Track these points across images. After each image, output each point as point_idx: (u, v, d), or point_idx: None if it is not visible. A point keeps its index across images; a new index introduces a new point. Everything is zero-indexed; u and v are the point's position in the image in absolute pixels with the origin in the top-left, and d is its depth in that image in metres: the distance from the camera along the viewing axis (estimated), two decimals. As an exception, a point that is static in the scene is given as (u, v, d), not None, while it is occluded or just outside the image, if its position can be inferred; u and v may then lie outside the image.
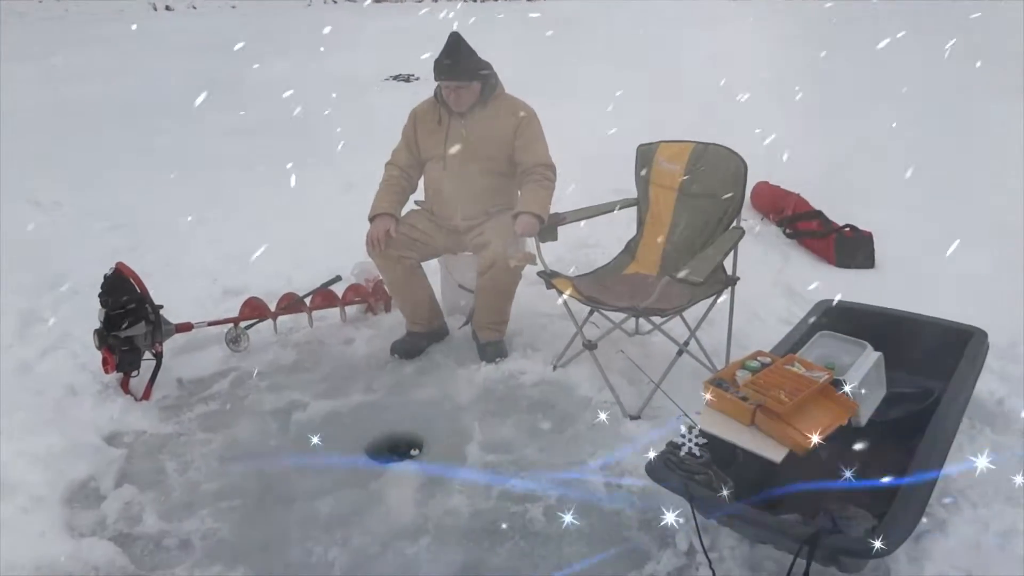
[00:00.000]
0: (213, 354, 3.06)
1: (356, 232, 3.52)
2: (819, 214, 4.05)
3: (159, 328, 2.69)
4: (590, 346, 2.68)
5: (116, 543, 2.03)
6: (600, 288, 2.76)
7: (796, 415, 1.95)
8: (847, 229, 3.82)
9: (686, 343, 2.64)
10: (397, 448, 2.50)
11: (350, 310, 3.35)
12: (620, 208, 2.99)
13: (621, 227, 3.78)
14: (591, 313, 2.82)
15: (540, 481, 2.29)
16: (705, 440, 1.89)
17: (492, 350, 2.98)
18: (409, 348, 3.05)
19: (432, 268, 3.23)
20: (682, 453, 1.80)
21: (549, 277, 2.75)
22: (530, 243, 2.90)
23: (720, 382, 2.12)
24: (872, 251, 3.72)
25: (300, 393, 2.80)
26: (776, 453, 1.89)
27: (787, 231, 4.10)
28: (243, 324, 3.08)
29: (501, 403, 2.73)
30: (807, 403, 1.99)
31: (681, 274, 2.28)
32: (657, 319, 2.60)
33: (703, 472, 1.76)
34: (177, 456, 2.44)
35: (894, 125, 5.87)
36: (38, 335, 3.24)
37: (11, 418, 2.49)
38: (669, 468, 1.79)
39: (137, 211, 4.79)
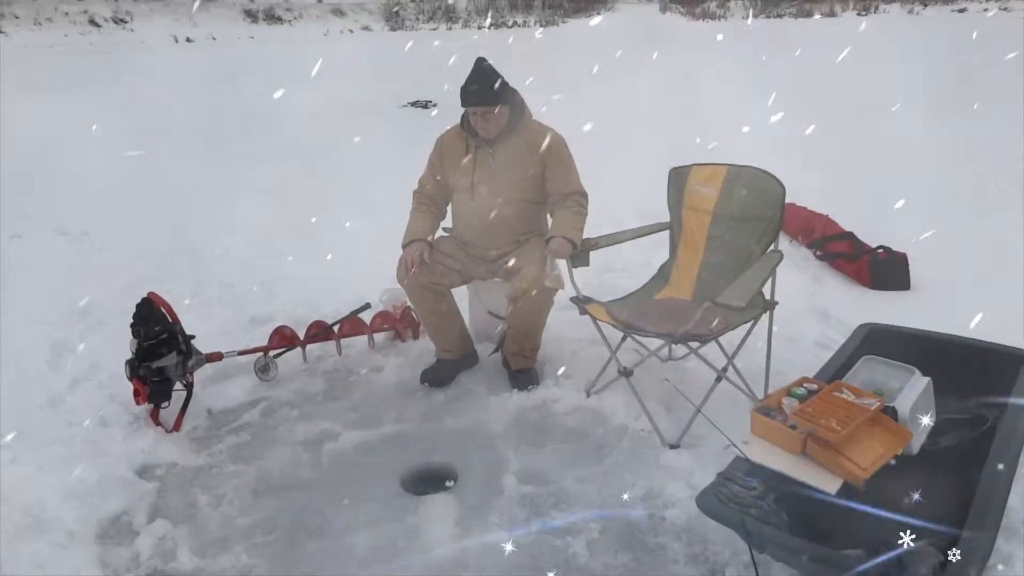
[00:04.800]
0: (242, 384, 3.04)
1: (382, 258, 3.51)
2: (850, 235, 3.99)
3: (190, 358, 2.67)
4: (626, 373, 2.63)
5: (151, 581, 2.00)
6: (635, 313, 2.71)
7: (848, 444, 1.89)
8: (880, 251, 3.75)
9: (724, 369, 2.58)
10: (432, 479, 2.44)
11: (378, 337, 3.33)
12: (653, 232, 2.95)
13: (647, 251, 3.75)
14: (624, 339, 2.77)
15: (581, 514, 2.23)
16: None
17: (524, 378, 2.93)
18: (439, 376, 3.01)
19: (460, 294, 3.20)
20: (735, 487, 1.73)
21: (582, 303, 2.71)
22: (561, 268, 2.87)
23: (767, 410, 2.07)
24: (907, 272, 3.65)
25: (331, 422, 2.77)
26: (830, 484, 1.83)
27: (818, 253, 4.04)
28: (272, 353, 3.06)
29: (535, 432, 2.67)
30: (859, 432, 1.93)
31: (721, 299, 2.23)
32: (694, 345, 2.55)
33: (757, 505, 1.70)
34: (209, 489, 2.41)
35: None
36: (68, 366, 3.23)
37: (44, 452, 2.47)
38: (721, 502, 1.73)
39: (162, 239, 4.82)
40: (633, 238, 2.92)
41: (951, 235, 4.14)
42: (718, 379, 2.54)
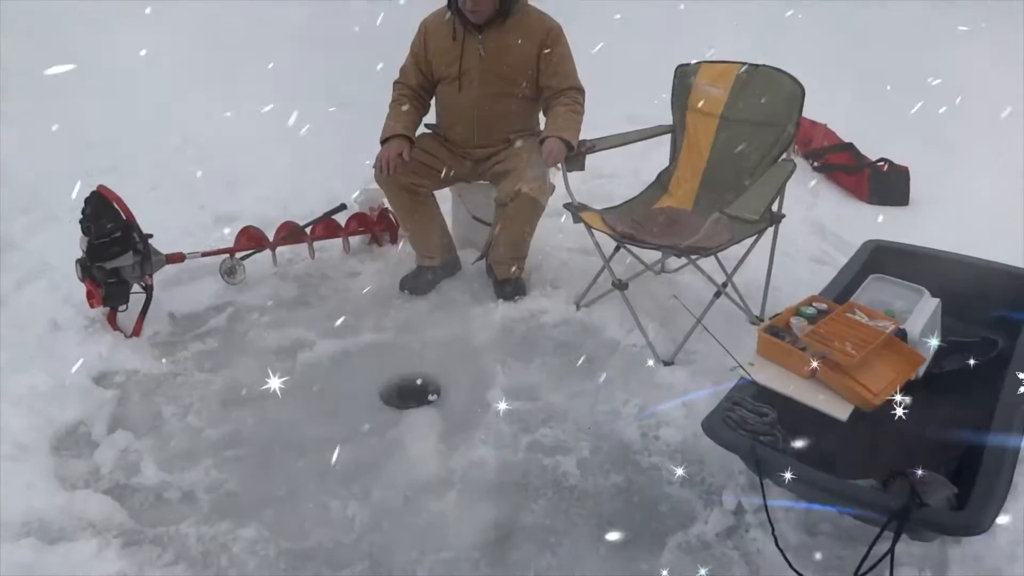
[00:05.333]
0: (207, 287, 2.83)
1: (358, 156, 3.25)
2: (850, 147, 3.81)
3: (148, 259, 2.44)
4: (620, 286, 2.48)
5: (112, 496, 1.86)
6: (633, 223, 2.54)
7: (861, 368, 1.79)
8: (881, 163, 3.59)
9: (724, 285, 2.44)
10: (413, 393, 2.31)
11: (354, 241, 3.12)
12: (654, 136, 2.73)
13: (637, 157, 3.54)
14: (617, 250, 2.61)
15: (571, 431, 2.13)
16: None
17: (511, 287, 2.77)
18: (420, 283, 2.83)
19: (443, 197, 2.97)
20: (744, 412, 1.62)
21: (576, 210, 2.51)
22: (554, 172, 2.66)
23: (775, 330, 1.94)
24: (908, 187, 3.51)
25: (304, 330, 2.59)
26: (841, 411, 1.73)
27: (815, 164, 3.87)
28: (239, 255, 2.84)
29: (523, 345, 2.54)
30: (871, 356, 1.82)
31: (733, 210, 2.06)
32: (695, 258, 2.39)
33: (769, 432, 1.59)
34: (174, 399, 2.25)
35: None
36: (13, 264, 2.98)
37: (-8, 357, 2.27)
38: (730, 427, 1.62)
39: (117, 128, 4.44)
40: (634, 141, 2.70)
41: (952, 148, 4.00)
42: (717, 294, 2.41)
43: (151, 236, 2.47)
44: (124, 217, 2.38)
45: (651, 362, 2.41)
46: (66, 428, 2.08)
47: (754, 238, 2.45)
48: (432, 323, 2.67)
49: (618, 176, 3.74)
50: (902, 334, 1.96)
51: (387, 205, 3.18)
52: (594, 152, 2.64)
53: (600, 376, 2.37)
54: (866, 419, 1.72)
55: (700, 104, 2.63)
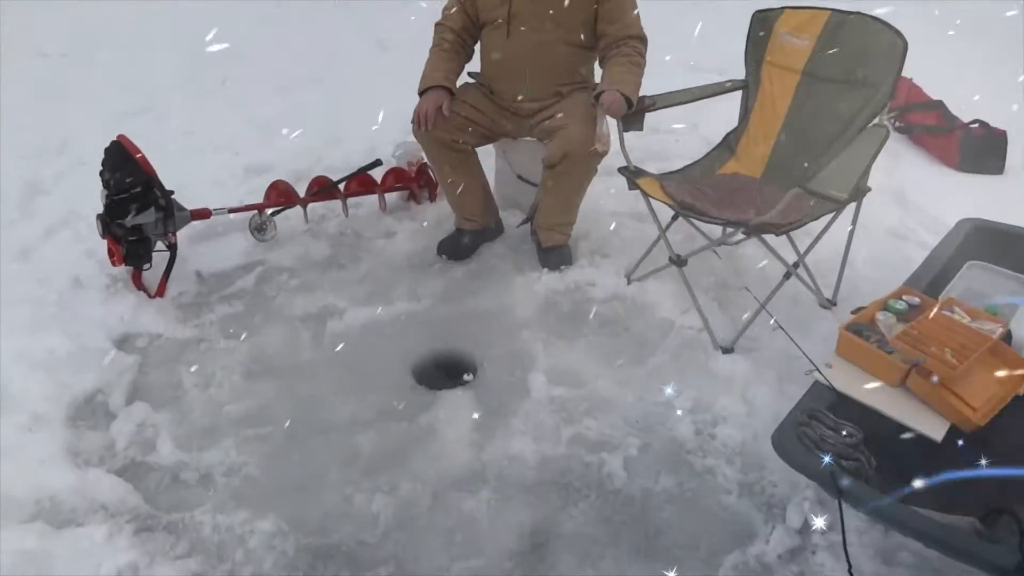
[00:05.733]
0: (236, 244, 2.69)
1: (395, 105, 3.02)
2: (939, 105, 3.43)
3: (171, 216, 2.29)
4: (678, 262, 2.24)
5: (126, 477, 1.75)
6: (695, 192, 2.28)
7: (961, 381, 1.55)
8: (975, 125, 3.21)
9: (796, 265, 2.19)
10: (448, 371, 2.15)
11: (390, 198, 2.92)
12: (723, 92, 2.44)
13: (696, 113, 3.23)
14: (675, 219, 2.36)
15: (618, 424, 1.94)
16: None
17: (556, 256, 2.55)
18: (459, 248, 2.64)
19: (485, 154, 2.74)
20: (823, 428, 1.41)
21: (633, 176, 2.27)
22: (610, 130, 2.40)
23: (858, 327, 1.70)
24: (1004, 154, 3.14)
25: (335, 296, 2.44)
26: (936, 429, 1.50)
27: (897, 124, 3.49)
28: (269, 211, 2.67)
29: (567, 321, 2.34)
30: (974, 365, 1.58)
31: (818, 186, 1.79)
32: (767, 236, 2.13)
33: (853, 456, 1.38)
34: (197, 368, 2.12)
35: None
36: (42, 210, 2.88)
37: (12, 313, 2.17)
38: (805, 446, 1.41)
39: (151, 70, 4.28)
40: (699, 98, 2.41)
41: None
42: (787, 276, 2.16)
43: (172, 193, 2.32)
44: (144, 171, 2.22)
45: (708, 348, 2.19)
46: (84, 396, 1.97)
47: (832, 215, 2.17)
48: (470, 292, 2.48)
49: (673, 131, 3.44)
50: (1007, 337, 1.70)
51: (426, 160, 2.97)
52: (654, 110, 2.36)
53: (651, 361, 2.16)
54: (965, 439, 1.49)
55: (779, 56, 2.32)
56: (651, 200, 2.25)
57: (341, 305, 2.39)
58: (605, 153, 2.33)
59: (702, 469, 1.82)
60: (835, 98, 2.19)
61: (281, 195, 2.67)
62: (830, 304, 2.35)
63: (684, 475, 1.80)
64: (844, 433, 1.39)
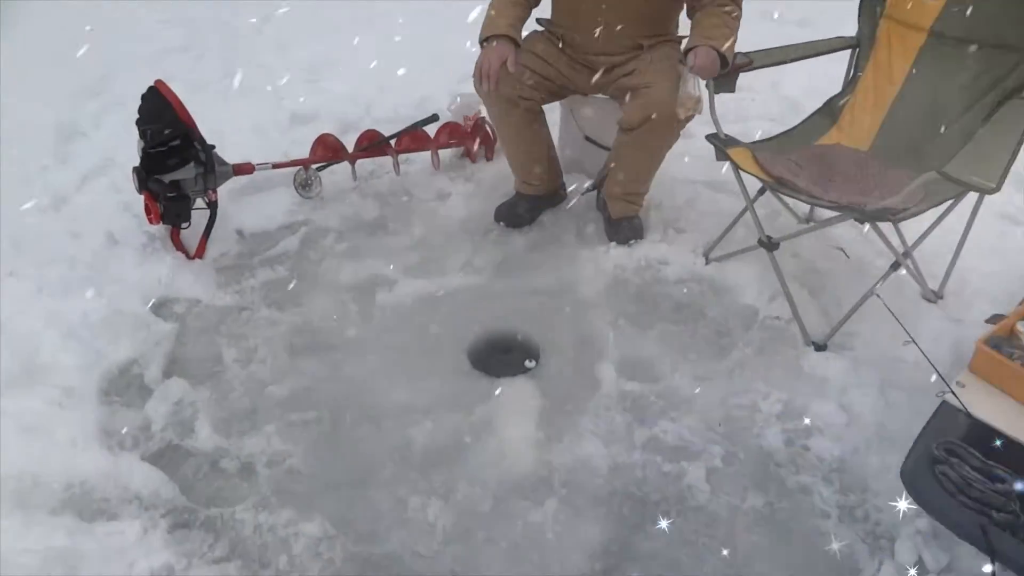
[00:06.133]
0: (280, 200, 2.50)
1: (451, 50, 2.76)
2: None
3: (212, 171, 2.10)
4: (769, 245, 1.99)
5: (161, 464, 1.61)
6: (791, 167, 2.01)
7: None
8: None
9: (906, 254, 1.93)
10: (508, 355, 1.96)
11: (444, 154, 2.70)
12: (830, 51, 2.13)
13: (779, 70, 2.90)
14: (761, 192, 2.10)
15: (698, 428, 1.74)
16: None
17: (626, 229, 2.32)
18: (518, 215, 2.41)
19: (549, 110, 2.48)
20: (966, 469, 1.18)
21: (723, 144, 2.01)
22: (700, 91, 2.12)
23: (997, 341, 1.46)
24: None
25: (385, 264, 2.25)
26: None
27: None
28: (315, 166, 2.47)
29: (638, 303, 2.12)
30: None
31: (959, 172, 1.52)
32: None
33: (1006, 508, 1.16)
34: (237, 339, 1.97)
35: None
36: (78, 155, 2.73)
37: (44, 271, 2.03)
38: (946, 490, 1.19)
39: (196, 5, 4.06)
40: (803, 57, 2.11)
41: None
42: (895, 266, 1.90)
43: (214, 147, 2.12)
44: (183, 122, 2.03)
45: (799, 343, 1.96)
46: (118, 367, 1.83)
47: (952, 200, 1.89)
48: (531, 265, 2.27)
49: (755, 89, 3.13)
50: None
51: (484, 114, 2.72)
52: (748, 69, 2.08)
53: (733, 355, 1.94)
54: None
55: (902, 11, 2.01)
56: (742, 173, 2.00)
57: (391, 275, 2.20)
58: (691, 118, 2.06)
59: (795, 487, 1.61)
60: (969, 64, 1.88)
61: (328, 150, 2.46)
62: (936, 297, 2.09)
63: (774, 493, 1.60)
64: (995, 477, 1.17)
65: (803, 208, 2.36)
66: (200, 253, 2.18)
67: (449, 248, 2.33)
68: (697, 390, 1.84)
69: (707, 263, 2.23)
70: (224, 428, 1.71)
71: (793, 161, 2.06)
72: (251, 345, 1.95)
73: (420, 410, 1.77)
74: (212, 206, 2.17)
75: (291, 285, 2.16)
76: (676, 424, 1.75)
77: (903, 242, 2.03)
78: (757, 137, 2.28)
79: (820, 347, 1.93)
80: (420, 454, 1.67)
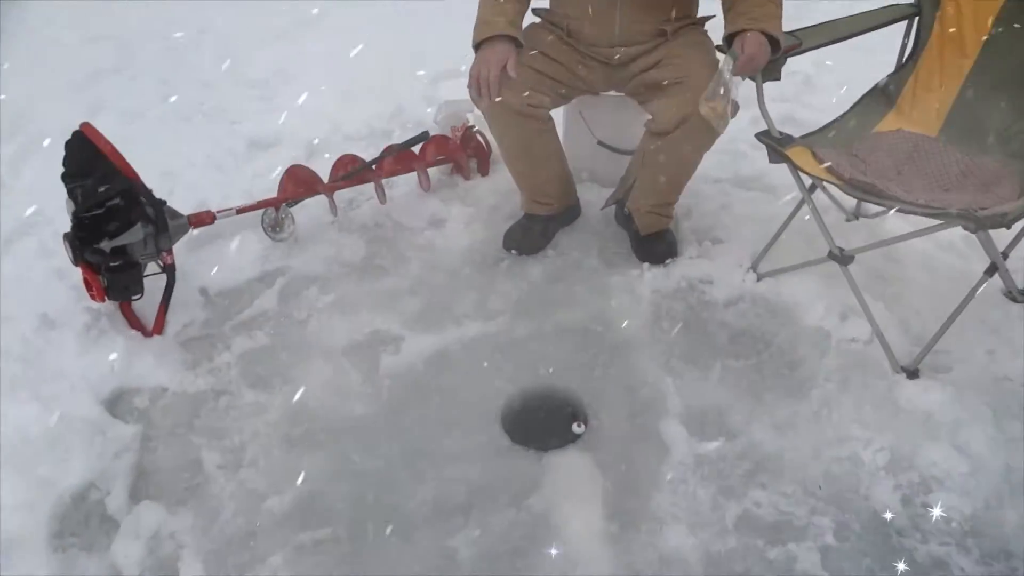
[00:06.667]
0: (247, 246, 2.12)
1: (431, 49, 2.40)
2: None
3: (164, 229, 1.72)
4: (843, 260, 1.70)
5: (143, 632, 1.25)
6: (855, 162, 1.72)
7: None
8: None
9: (1005, 255, 1.66)
10: (550, 420, 1.64)
11: (433, 173, 2.34)
12: (889, 22, 1.83)
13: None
14: (812, 189, 1.81)
15: (795, 494, 1.44)
16: None
17: (660, 246, 2.01)
18: (532, 239, 2.08)
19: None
20: None
21: (782, 145, 1.70)
22: (735, 83, 1.80)
23: None
24: None
25: (384, 316, 1.89)
26: None
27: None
28: (277, 211, 2.10)
29: (689, 335, 1.81)
30: None
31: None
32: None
33: None
34: (219, 437, 1.60)
35: None
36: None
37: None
38: None
39: (125, 18, 3.59)
40: (856, 33, 1.80)
41: None
42: (990, 271, 1.62)
43: (164, 203, 1.73)
44: (123, 174, 1.63)
45: (886, 369, 1.68)
46: (71, 496, 1.44)
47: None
48: (556, 300, 1.94)
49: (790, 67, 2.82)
50: None
51: (473, 123, 2.38)
52: (798, 51, 1.77)
53: (813, 393, 1.65)
54: None
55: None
56: (801, 174, 1.69)
57: (394, 330, 1.85)
58: (734, 114, 1.74)
59: (927, 561, 1.33)
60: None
61: (300, 184, 2.09)
62: (1023, 297, 1.83)
63: (905, 572, 1.32)
64: None
65: (850, 202, 2.09)
66: (159, 328, 1.80)
67: (455, 288, 1.98)
68: (783, 443, 1.54)
69: (759, 280, 1.93)
70: (218, 564, 1.35)
71: (854, 155, 1.77)
72: (237, 443, 1.58)
73: (458, 509, 1.44)
74: (168, 270, 1.79)
75: (275, 356, 1.80)
76: (769, 492, 1.45)
77: (997, 255, 1.75)
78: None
79: (912, 373, 1.65)
80: (468, 571, 1.34)
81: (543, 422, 1.63)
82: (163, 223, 1.70)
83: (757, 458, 1.51)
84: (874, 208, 1.96)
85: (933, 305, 1.80)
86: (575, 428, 1.60)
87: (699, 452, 1.53)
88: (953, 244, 1.95)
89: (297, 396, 1.67)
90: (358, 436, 1.59)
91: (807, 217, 1.85)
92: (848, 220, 2.11)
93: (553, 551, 1.36)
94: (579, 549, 1.36)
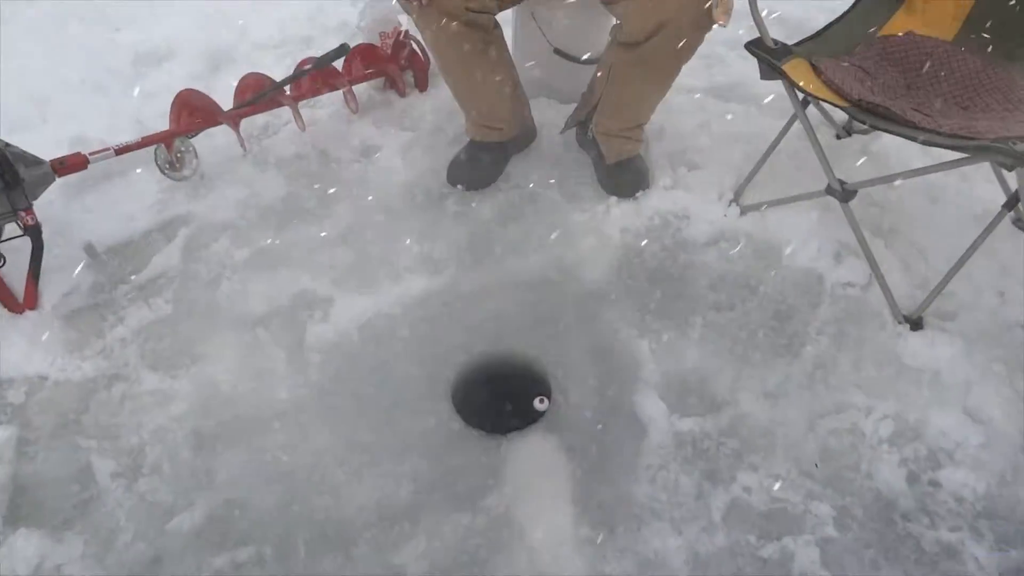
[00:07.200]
0: (142, 188, 1.78)
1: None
2: None
3: (18, 183, 1.37)
4: (843, 196, 1.46)
5: None
6: (860, 75, 1.45)
7: None
8: None
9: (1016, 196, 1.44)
10: (506, 393, 1.41)
11: (361, 91, 1.99)
12: None
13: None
14: (805, 105, 1.54)
15: (790, 475, 1.27)
16: None
17: (630, 175, 1.73)
18: (481, 171, 1.78)
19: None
20: None
21: (777, 59, 1.40)
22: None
23: None
24: None
25: (310, 272, 1.61)
26: None
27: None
28: (178, 142, 1.74)
29: (664, 284, 1.58)
30: None
31: None
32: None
33: None
34: (113, 437, 1.33)
35: None
36: None
37: None
38: None
39: None
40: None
41: None
42: (1010, 204, 1.41)
43: (8, 145, 1.37)
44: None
45: (886, 319, 1.48)
46: (-72, 525, 1.19)
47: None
48: (511, 245, 1.67)
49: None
50: None
51: (407, 25, 2.01)
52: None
53: (805, 350, 1.45)
54: None
55: None
56: (798, 91, 1.42)
57: (322, 290, 1.57)
58: (724, 19, 1.43)
59: (937, 549, 1.18)
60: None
61: (196, 113, 1.72)
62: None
63: (912, 562, 1.17)
64: None
65: (840, 116, 1.82)
66: (31, 301, 1.48)
67: (393, 234, 1.69)
68: (775, 415, 1.35)
69: (742, 214, 1.69)
70: (114, 606, 1.13)
71: (857, 66, 1.49)
72: (135, 444, 1.32)
73: (404, 514, 1.22)
74: (32, 232, 1.45)
75: (179, 328, 1.51)
76: (760, 474, 1.27)
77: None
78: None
79: (916, 324, 1.46)
80: (419, 594, 1.14)
81: (500, 398, 1.41)
82: (14, 175, 1.35)
83: (745, 434, 1.33)
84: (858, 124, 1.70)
85: (935, 239, 1.61)
86: (537, 404, 1.38)
87: (680, 430, 1.33)
88: (967, 174, 1.72)
89: (208, 379, 1.41)
90: (283, 428, 1.34)
91: (796, 138, 1.60)
92: (839, 137, 1.86)
93: (518, 562, 1.16)
94: (546, 558, 1.17)
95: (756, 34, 1.45)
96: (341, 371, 1.43)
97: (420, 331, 1.50)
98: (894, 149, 1.81)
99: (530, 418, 1.36)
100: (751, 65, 1.47)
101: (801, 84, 1.36)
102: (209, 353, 1.46)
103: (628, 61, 1.52)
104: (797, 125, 1.54)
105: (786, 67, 1.39)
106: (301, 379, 1.42)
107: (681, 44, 1.45)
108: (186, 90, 1.70)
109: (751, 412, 1.36)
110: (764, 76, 1.44)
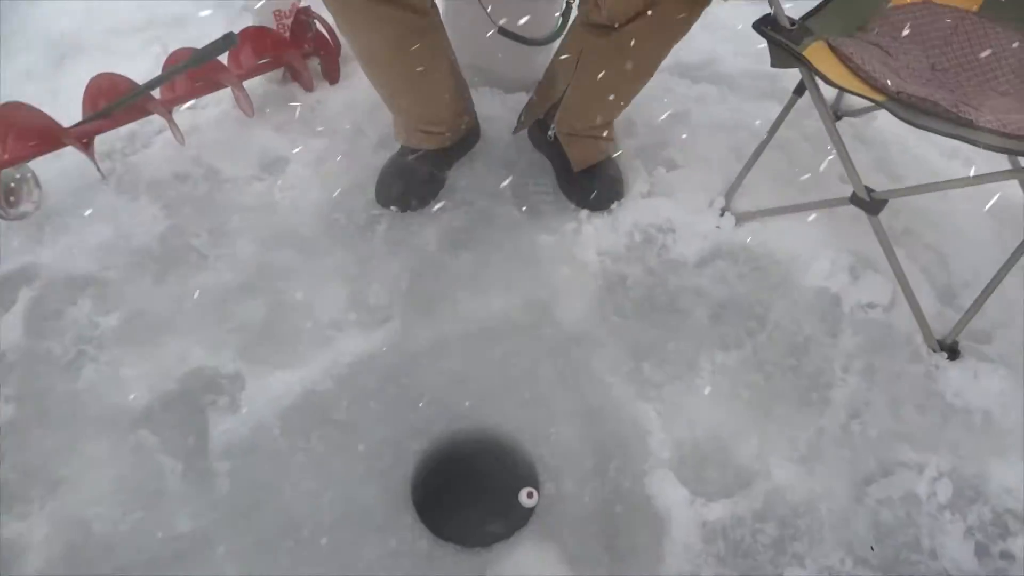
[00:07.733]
0: (-39, 235, 1.33)
1: None
2: None
3: None
4: (872, 206, 1.20)
5: None
6: (885, 59, 1.19)
7: None
8: None
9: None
10: (489, 490, 1.10)
11: (255, 86, 1.58)
12: None
13: None
14: (802, 93, 1.28)
15: (844, 568, 1.03)
16: None
17: (602, 185, 1.42)
18: (416, 188, 1.43)
19: None
20: None
21: (796, 40, 1.12)
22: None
23: None
24: None
25: (207, 344, 1.22)
26: None
27: None
28: (11, 169, 1.29)
29: (656, 318, 1.29)
30: None
31: None
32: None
33: None
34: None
35: None
36: None
37: None
38: None
39: None
40: None
41: None
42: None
43: None
44: None
45: (918, 347, 1.26)
46: None
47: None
48: (463, 281, 1.34)
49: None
50: None
51: (306, 2, 1.60)
52: None
53: (834, 394, 1.21)
54: None
55: None
56: (818, 78, 1.14)
57: (224, 365, 1.19)
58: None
59: (1027, 647, 0.98)
60: None
61: (26, 137, 1.27)
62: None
63: (1004, 670, 0.96)
64: None
65: (830, 93, 1.57)
66: None
67: (313, 276, 1.32)
68: (813, 485, 1.11)
69: (737, 223, 1.42)
70: None
71: (874, 44, 1.23)
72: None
73: None
74: None
75: (28, 435, 1.10)
76: (808, 570, 1.03)
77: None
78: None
79: (952, 351, 1.24)
80: None
81: (476, 496, 1.10)
82: None
83: (784, 513, 1.07)
84: (860, 102, 1.45)
85: (954, 241, 1.40)
86: (525, 499, 1.08)
87: (707, 519, 1.06)
88: (971, 159, 1.51)
89: (72, 517, 1.02)
90: (191, 559, 0.98)
91: (784, 126, 1.34)
92: (837, 119, 1.61)
93: None
94: None
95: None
96: (261, 481, 1.08)
97: (361, 413, 1.15)
98: (892, 135, 1.58)
99: (517, 518, 1.07)
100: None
101: (827, 74, 1.09)
102: (72, 476, 1.07)
103: (603, 48, 1.20)
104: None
105: (808, 52, 1.10)
106: (206, 500, 1.05)
107: (675, 22, 1.14)
108: (7, 105, 1.25)
109: (786, 484, 1.10)
110: (776, 64, 1.16)
